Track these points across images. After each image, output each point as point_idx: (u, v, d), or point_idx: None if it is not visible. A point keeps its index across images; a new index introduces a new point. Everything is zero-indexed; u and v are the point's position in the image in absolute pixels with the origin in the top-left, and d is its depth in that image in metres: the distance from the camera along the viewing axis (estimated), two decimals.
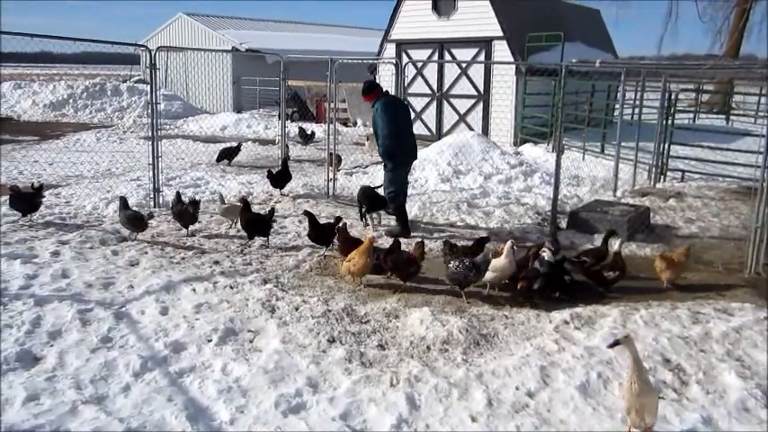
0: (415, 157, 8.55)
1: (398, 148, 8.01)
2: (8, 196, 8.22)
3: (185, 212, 7.83)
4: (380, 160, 8.61)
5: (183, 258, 6.93)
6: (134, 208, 8.05)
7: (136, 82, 29.82)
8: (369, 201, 8.51)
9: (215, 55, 27.46)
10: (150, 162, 9.02)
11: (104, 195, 9.68)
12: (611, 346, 3.73)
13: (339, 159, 11.87)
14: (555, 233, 6.99)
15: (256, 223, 7.49)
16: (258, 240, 7.62)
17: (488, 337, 5.05)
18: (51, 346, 4.76)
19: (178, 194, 8.15)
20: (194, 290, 5.89)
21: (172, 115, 23.72)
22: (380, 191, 8.58)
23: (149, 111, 9.23)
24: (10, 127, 21.54)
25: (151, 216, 7.86)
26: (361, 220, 8.61)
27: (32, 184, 8.45)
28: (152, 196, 9.29)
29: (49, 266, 6.44)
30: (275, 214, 7.96)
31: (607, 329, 5.10)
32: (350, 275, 6.24)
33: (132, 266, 6.61)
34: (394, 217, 8.35)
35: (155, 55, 8.98)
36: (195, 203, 7.91)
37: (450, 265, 5.87)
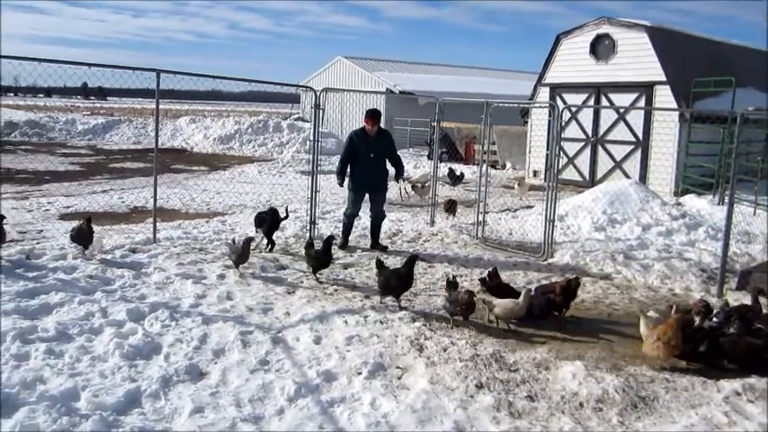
0: None
1: None
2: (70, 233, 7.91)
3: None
4: (530, 204, 8.48)
5: (336, 290, 7.18)
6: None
7: (295, 119, 31.81)
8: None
9: (370, 95, 28.63)
10: (309, 196, 9.47)
11: None
12: None
13: (455, 203, 11.77)
14: (756, 296, 6.37)
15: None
16: None
17: (647, 400, 4.72)
18: (215, 363, 5.09)
19: None
20: (346, 322, 6.07)
21: (326, 152, 24.65)
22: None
23: (308, 147, 9.75)
24: (184, 157, 23.78)
25: (251, 239, 7.93)
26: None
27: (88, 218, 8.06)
28: (308, 228, 9.72)
29: (215, 288, 6.94)
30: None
31: None
32: (654, 354, 5.34)
33: (289, 294, 6.95)
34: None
35: (320, 95, 9.50)
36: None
37: None
